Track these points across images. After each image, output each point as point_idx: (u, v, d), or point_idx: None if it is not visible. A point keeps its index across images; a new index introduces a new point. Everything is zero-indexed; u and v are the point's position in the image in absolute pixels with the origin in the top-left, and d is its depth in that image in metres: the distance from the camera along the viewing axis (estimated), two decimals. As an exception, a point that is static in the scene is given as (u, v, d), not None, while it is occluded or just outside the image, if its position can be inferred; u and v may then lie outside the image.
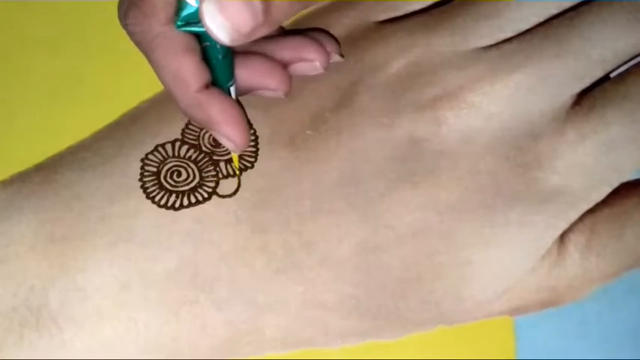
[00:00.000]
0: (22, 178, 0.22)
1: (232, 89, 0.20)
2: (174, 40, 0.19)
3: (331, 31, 0.23)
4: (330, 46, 0.22)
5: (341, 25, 0.23)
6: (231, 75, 0.20)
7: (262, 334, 0.21)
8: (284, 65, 0.21)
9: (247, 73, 0.21)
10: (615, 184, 0.21)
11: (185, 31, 0.18)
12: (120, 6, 0.19)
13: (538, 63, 0.20)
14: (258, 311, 0.21)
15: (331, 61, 0.22)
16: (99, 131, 0.23)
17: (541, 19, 0.21)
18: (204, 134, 0.22)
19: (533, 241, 0.21)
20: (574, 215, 0.21)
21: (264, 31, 0.17)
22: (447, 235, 0.20)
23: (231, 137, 0.20)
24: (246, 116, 0.20)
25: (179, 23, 0.18)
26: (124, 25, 0.19)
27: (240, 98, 0.22)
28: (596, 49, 0.20)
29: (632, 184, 0.22)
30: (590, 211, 0.21)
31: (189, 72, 0.19)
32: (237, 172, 0.21)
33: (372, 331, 0.22)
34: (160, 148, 0.22)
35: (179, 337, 0.20)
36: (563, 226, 0.21)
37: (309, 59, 0.21)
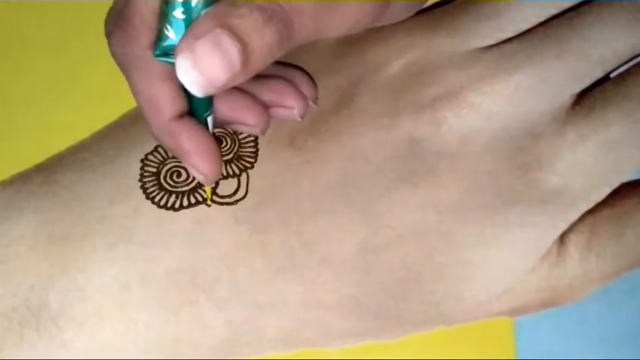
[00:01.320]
0: (22, 178, 0.22)
1: (210, 120, 0.20)
2: (152, 65, 0.18)
3: None
4: (308, 91, 0.21)
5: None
6: (209, 105, 0.20)
7: (262, 334, 0.21)
8: (264, 105, 0.21)
9: (226, 107, 0.20)
10: (615, 185, 0.21)
11: (162, 61, 0.18)
12: (105, 24, 0.19)
13: (538, 63, 0.20)
14: (258, 311, 0.21)
15: (310, 107, 0.21)
16: (99, 132, 0.23)
17: (541, 19, 0.21)
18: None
19: (534, 241, 0.21)
20: (574, 215, 0.21)
21: (241, 79, 0.16)
22: (447, 235, 0.20)
23: (200, 169, 0.19)
24: (219, 150, 0.20)
25: (157, 52, 0.18)
26: (109, 44, 0.19)
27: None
28: (596, 49, 0.20)
29: (632, 184, 0.22)
30: (590, 212, 0.21)
31: (165, 99, 0.19)
32: (209, 203, 0.21)
33: (371, 331, 0.22)
34: (159, 149, 0.22)
35: (179, 337, 0.20)
36: (563, 226, 0.21)
37: (288, 106, 0.21)
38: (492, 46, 0.21)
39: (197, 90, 0.16)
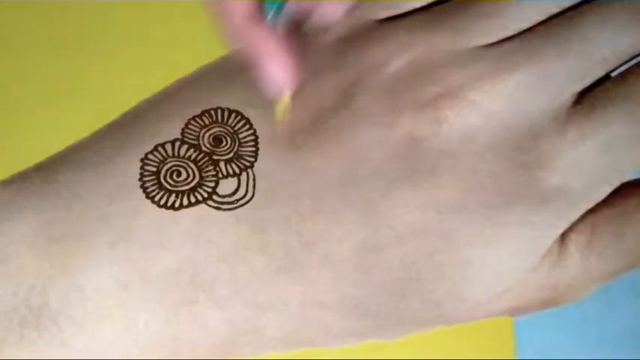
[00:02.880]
0: (22, 178, 0.22)
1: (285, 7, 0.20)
2: None
3: (331, 30, 0.23)
4: None
5: (341, 23, 0.23)
6: None
7: (262, 334, 0.21)
8: None
9: None
10: (616, 184, 0.21)
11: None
12: None
13: (539, 62, 0.20)
14: (258, 311, 0.21)
15: None
16: (99, 131, 0.23)
17: (542, 18, 0.21)
18: (204, 134, 0.22)
19: (534, 240, 0.21)
20: (575, 215, 0.21)
21: None
22: (447, 235, 0.20)
23: (274, 73, 0.19)
24: (297, 54, 0.19)
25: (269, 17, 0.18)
26: None
27: (239, 96, 0.22)
28: (597, 49, 0.20)
29: (633, 184, 0.22)
30: (591, 211, 0.21)
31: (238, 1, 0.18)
32: (284, 113, 0.19)
33: (372, 331, 0.22)
34: (159, 148, 0.22)
35: (179, 337, 0.20)
36: (564, 225, 0.21)
37: None
38: (493, 44, 0.21)
39: None
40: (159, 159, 0.21)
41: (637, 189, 0.22)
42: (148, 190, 0.21)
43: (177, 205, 0.21)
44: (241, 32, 0.19)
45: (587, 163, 0.20)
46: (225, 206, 0.21)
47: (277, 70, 0.19)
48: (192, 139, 0.22)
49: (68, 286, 0.20)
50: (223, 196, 0.21)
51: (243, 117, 0.22)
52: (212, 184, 0.21)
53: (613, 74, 0.21)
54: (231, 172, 0.21)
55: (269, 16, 0.20)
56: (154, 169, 0.21)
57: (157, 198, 0.21)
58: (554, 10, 0.21)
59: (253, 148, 0.21)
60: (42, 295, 0.20)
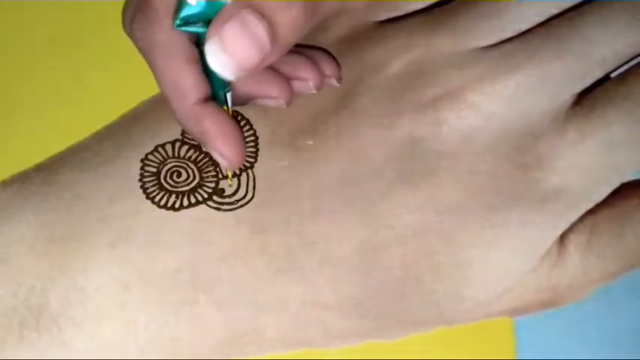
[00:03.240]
0: (22, 178, 0.22)
1: (229, 96, 0.20)
2: (176, 48, 0.18)
3: (331, 31, 0.23)
4: (330, 70, 0.21)
5: (341, 24, 0.23)
6: (227, 82, 0.20)
7: (262, 334, 0.21)
8: (285, 77, 0.21)
9: (249, 82, 0.20)
10: (616, 185, 0.21)
11: (184, 31, 0.18)
12: (125, 12, 0.19)
13: (538, 63, 0.20)
14: (258, 311, 0.21)
15: (329, 84, 0.21)
16: (99, 131, 0.23)
17: (542, 19, 0.21)
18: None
19: (534, 241, 0.21)
20: (574, 215, 0.21)
21: (272, 59, 0.16)
22: (447, 236, 0.20)
23: (224, 153, 0.20)
24: (243, 135, 0.20)
25: (178, 22, 0.18)
26: (130, 31, 0.19)
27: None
28: (597, 49, 0.20)
29: (633, 184, 0.22)
30: (591, 212, 0.21)
31: (189, 83, 0.19)
32: (229, 183, 0.21)
33: (372, 331, 0.22)
34: (159, 149, 0.22)
35: (179, 338, 0.20)
36: (564, 226, 0.21)
37: (302, 78, 0.21)
38: (493, 45, 0.21)
39: (230, 73, 0.16)
40: (159, 160, 0.21)
41: (637, 189, 0.22)
42: (149, 191, 0.21)
43: (177, 205, 0.21)
44: (192, 116, 0.19)
45: (587, 164, 0.20)
46: (226, 207, 0.21)
47: (227, 151, 0.20)
48: (193, 140, 0.22)
49: (68, 286, 0.20)
50: (223, 197, 0.21)
51: (243, 117, 0.22)
52: (212, 185, 0.21)
53: (613, 75, 0.21)
54: (231, 172, 0.21)
55: (219, 97, 0.20)
56: (154, 170, 0.21)
57: (157, 199, 0.21)
58: (554, 10, 0.21)
59: (253, 149, 0.21)
60: (42, 295, 0.20)
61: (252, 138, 0.22)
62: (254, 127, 0.22)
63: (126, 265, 0.20)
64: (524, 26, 0.21)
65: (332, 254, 0.20)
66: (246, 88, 0.21)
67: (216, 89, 0.20)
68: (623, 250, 0.21)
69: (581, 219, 0.21)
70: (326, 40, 0.23)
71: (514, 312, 0.22)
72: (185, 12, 0.18)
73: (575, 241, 0.21)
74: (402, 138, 0.21)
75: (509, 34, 0.21)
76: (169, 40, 0.18)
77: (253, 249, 0.20)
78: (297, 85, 0.21)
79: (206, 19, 0.17)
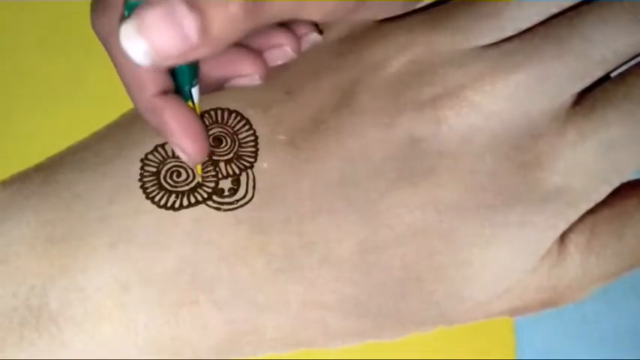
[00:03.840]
0: (22, 178, 0.22)
1: (195, 91, 0.19)
2: None
3: (331, 30, 0.23)
4: (305, 28, 0.20)
5: (341, 23, 0.23)
6: (193, 74, 0.19)
7: (262, 334, 0.21)
8: (257, 51, 0.20)
9: (216, 63, 0.19)
10: (616, 184, 0.21)
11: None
12: (90, 5, 0.18)
13: (538, 62, 0.20)
14: (258, 311, 0.21)
15: (310, 41, 0.20)
16: (99, 131, 0.23)
17: (542, 18, 0.21)
18: (204, 134, 0.22)
19: (534, 241, 0.21)
20: (574, 215, 0.21)
21: (202, 53, 0.15)
22: (447, 235, 0.20)
23: (184, 148, 0.19)
24: (205, 129, 0.19)
25: (127, 13, 0.16)
26: (91, 23, 0.18)
27: (239, 97, 0.21)
28: (597, 49, 0.20)
29: (633, 184, 0.22)
30: (591, 212, 0.21)
31: (147, 74, 0.18)
32: (200, 180, 0.20)
33: (372, 331, 0.22)
34: (159, 149, 0.22)
35: (179, 338, 0.20)
36: (564, 226, 0.21)
37: (277, 44, 0.20)
38: (493, 44, 0.21)
39: (142, 58, 0.15)
40: (159, 159, 0.21)
41: (637, 189, 0.22)
42: (148, 191, 0.21)
43: (177, 205, 0.21)
44: (151, 108, 0.19)
45: (587, 164, 0.20)
46: (225, 207, 0.21)
47: (187, 145, 0.19)
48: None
49: (68, 286, 0.20)
50: (223, 197, 0.21)
51: (242, 117, 0.22)
52: (212, 185, 0.21)
53: (613, 75, 0.21)
54: (231, 172, 0.21)
55: (184, 92, 0.19)
56: (154, 170, 0.21)
57: (157, 198, 0.21)
58: (554, 10, 0.21)
59: (253, 149, 0.21)
60: (42, 295, 0.20)
61: (252, 138, 0.22)
62: (254, 127, 0.22)
63: (126, 265, 0.20)
64: (524, 25, 0.21)
65: (332, 254, 0.20)
66: (215, 72, 0.20)
67: (180, 84, 0.19)
68: (623, 250, 0.21)
69: (581, 219, 0.21)
70: (325, 39, 0.23)
71: (514, 312, 0.22)
72: (132, 1, 0.16)
73: (575, 241, 0.21)
74: (402, 137, 0.21)
75: (509, 34, 0.21)
76: None
77: (253, 249, 0.20)
78: (273, 54, 0.20)
79: None
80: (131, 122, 0.22)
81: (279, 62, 0.20)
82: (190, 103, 0.19)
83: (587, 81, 0.21)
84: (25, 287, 0.20)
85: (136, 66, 0.17)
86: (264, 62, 0.20)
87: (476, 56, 0.21)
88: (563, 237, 0.21)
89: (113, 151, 0.22)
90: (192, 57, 0.15)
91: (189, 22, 0.15)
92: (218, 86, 0.20)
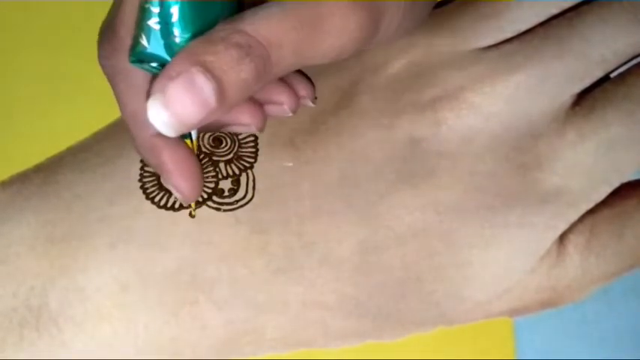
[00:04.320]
0: (21, 179, 0.22)
1: (194, 131, 0.20)
2: (137, 79, 0.18)
3: None
4: (305, 91, 0.21)
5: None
6: None
7: (262, 334, 0.21)
8: (258, 103, 0.20)
9: None
10: (615, 185, 0.21)
11: (137, 68, 0.18)
12: (98, 36, 0.19)
13: (538, 63, 0.20)
14: (258, 311, 0.21)
15: (304, 104, 0.21)
16: (99, 132, 0.23)
17: (541, 19, 0.21)
18: (204, 134, 0.22)
19: (533, 241, 0.21)
20: (574, 216, 0.21)
21: (217, 116, 0.16)
22: (447, 236, 0.20)
23: (180, 189, 0.19)
24: (201, 168, 0.20)
25: (132, 59, 0.17)
26: (98, 57, 0.18)
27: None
28: (597, 50, 0.20)
29: (632, 184, 0.22)
30: (590, 212, 0.21)
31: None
32: (193, 214, 0.20)
33: (372, 331, 0.22)
34: (159, 149, 0.22)
35: (179, 338, 0.20)
36: (563, 226, 0.21)
37: (277, 102, 0.20)
38: (492, 46, 0.21)
39: (170, 130, 0.16)
40: (159, 160, 0.21)
41: (636, 189, 0.22)
42: (148, 191, 0.21)
43: (177, 206, 0.21)
44: (150, 147, 0.19)
45: (587, 164, 0.20)
46: (225, 207, 0.21)
47: (182, 185, 0.19)
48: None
49: (68, 286, 0.20)
50: (223, 197, 0.21)
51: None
52: (212, 185, 0.21)
53: (612, 75, 0.21)
54: (231, 172, 0.21)
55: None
56: (154, 170, 0.21)
57: (156, 199, 0.21)
58: (554, 11, 0.21)
59: (253, 149, 0.21)
60: (42, 295, 0.20)
61: (252, 138, 0.22)
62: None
63: (126, 265, 0.20)
64: (524, 27, 0.21)
65: (332, 254, 0.20)
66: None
67: None
68: (622, 250, 0.21)
69: (581, 219, 0.21)
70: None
71: (514, 312, 0.22)
72: (139, 49, 0.17)
73: (574, 242, 0.21)
74: (402, 138, 0.21)
75: (508, 35, 0.21)
76: (132, 70, 0.18)
77: (253, 249, 0.20)
78: (272, 109, 0.21)
79: (159, 60, 0.17)
80: (131, 122, 0.22)
81: (276, 116, 0.21)
82: (188, 141, 0.20)
83: (587, 81, 0.21)
84: (25, 287, 0.20)
85: (137, 105, 0.18)
86: (263, 114, 0.20)
87: (475, 58, 0.21)
88: (562, 237, 0.21)
89: (113, 152, 0.22)
90: (209, 120, 0.16)
91: (209, 91, 0.15)
92: (215, 129, 0.21)
